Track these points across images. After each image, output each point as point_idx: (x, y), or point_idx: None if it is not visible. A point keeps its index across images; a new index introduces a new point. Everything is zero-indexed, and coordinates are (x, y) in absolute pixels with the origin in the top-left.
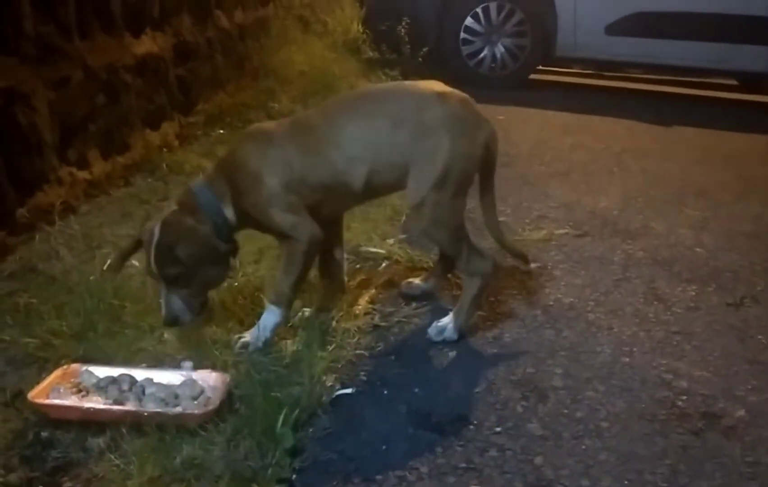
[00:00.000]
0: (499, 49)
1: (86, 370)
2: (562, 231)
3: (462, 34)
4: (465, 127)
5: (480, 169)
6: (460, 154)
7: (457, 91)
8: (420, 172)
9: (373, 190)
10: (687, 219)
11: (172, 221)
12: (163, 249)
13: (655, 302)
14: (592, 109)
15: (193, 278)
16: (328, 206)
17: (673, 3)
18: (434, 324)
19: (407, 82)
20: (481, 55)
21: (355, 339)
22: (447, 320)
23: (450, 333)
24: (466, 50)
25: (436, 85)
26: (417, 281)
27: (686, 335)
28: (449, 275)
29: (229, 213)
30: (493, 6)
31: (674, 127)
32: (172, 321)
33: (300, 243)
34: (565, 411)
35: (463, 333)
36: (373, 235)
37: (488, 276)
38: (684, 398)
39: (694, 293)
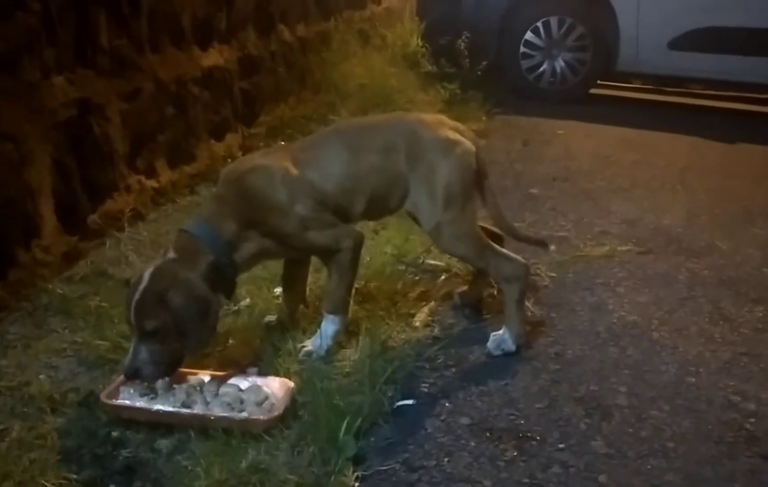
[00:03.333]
0: (559, 64)
1: None
2: (624, 248)
3: (522, 49)
4: (451, 144)
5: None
6: (454, 170)
7: (434, 115)
8: (424, 198)
9: (372, 215)
10: (754, 239)
11: (167, 269)
12: (151, 298)
13: (722, 322)
14: (653, 124)
15: (171, 337)
16: None
17: (739, 18)
18: (491, 337)
19: (390, 114)
20: (541, 69)
21: (416, 351)
22: (501, 332)
23: (508, 344)
24: (525, 64)
25: (416, 115)
26: (466, 288)
27: (754, 356)
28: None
29: (239, 253)
30: (553, 20)
31: (739, 144)
32: (133, 373)
33: (346, 251)
34: (630, 430)
35: (522, 344)
36: (432, 248)
37: (523, 278)
38: (752, 420)
39: (761, 314)
